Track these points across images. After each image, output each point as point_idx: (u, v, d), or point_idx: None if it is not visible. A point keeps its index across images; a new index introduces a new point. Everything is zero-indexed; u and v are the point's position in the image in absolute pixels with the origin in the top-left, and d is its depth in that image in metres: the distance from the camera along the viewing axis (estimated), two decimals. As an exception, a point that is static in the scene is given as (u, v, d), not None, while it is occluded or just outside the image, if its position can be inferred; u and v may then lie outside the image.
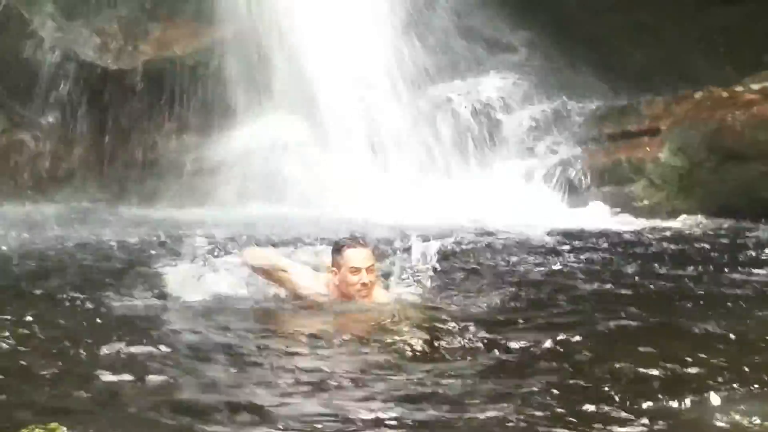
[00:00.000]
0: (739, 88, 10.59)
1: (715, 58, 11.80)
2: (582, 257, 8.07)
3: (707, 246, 8.71)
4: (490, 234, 9.12)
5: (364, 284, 5.81)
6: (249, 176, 11.52)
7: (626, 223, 10.00)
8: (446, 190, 11.05)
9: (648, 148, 10.91)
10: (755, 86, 10.50)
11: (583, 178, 11.09)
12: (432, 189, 11.13)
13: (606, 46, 12.25)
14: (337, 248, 5.87)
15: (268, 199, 11.22)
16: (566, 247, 8.54)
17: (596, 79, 11.97)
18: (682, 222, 10.10)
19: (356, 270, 5.79)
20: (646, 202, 10.73)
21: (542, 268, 7.52)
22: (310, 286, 6.02)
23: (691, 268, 7.53)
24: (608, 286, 6.75)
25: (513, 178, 11.31)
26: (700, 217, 10.19)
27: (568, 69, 12.12)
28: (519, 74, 12.11)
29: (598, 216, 10.29)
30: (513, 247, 8.55)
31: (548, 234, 9.16)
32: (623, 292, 6.62)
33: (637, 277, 7.08)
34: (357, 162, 11.54)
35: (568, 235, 9.15)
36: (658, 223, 10.13)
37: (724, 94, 10.59)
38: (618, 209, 10.57)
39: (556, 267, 7.51)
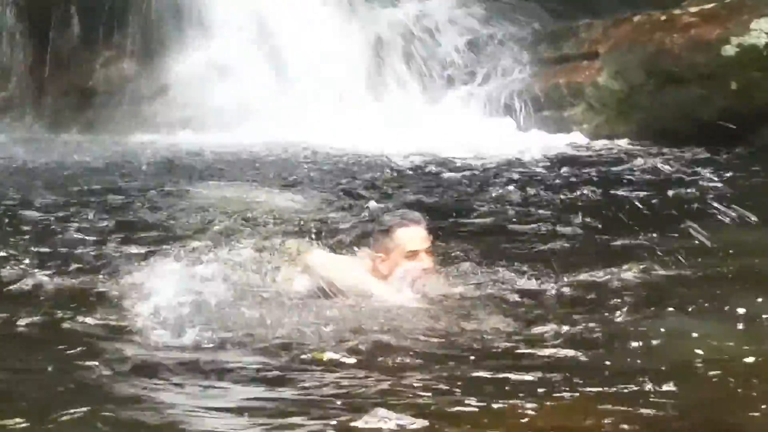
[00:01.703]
0: (677, 11, 10.59)
1: (654, -19, 11.85)
2: (526, 183, 8.28)
3: (642, 168, 8.94)
4: (438, 164, 9.29)
5: (425, 270, 4.86)
6: (190, 103, 11.49)
7: (566, 148, 10.12)
8: (386, 117, 11.14)
9: (587, 72, 10.96)
10: (693, 9, 10.51)
11: (521, 103, 11.11)
12: (373, 116, 11.18)
13: (544, -32, 12.23)
14: (385, 229, 4.92)
15: (209, 126, 11.23)
16: (514, 175, 8.78)
17: (535, 3, 11.93)
18: (621, 145, 10.20)
19: (413, 254, 4.85)
20: (585, 126, 10.79)
21: (488, 195, 7.76)
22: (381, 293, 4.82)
23: (628, 191, 7.84)
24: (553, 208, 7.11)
25: (452, 104, 11.37)
26: (637, 142, 10.27)
27: (507, -7, 12.06)
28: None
29: (538, 141, 10.41)
30: (461, 175, 8.73)
31: (490, 161, 9.31)
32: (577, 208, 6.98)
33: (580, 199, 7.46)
34: (304, 89, 11.49)
35: (512, 163, 9.30)
36: (598, 145, 10.24)
37: (663, 18, 10.61)
38: (557, 134, 10.63)
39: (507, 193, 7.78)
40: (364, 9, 12.03)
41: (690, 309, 4.54)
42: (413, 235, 4.83)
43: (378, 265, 4.85)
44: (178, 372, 3.74)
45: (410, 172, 8.98)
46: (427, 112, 11.30)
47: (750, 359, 3.83)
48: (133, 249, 5.87)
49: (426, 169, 9.06)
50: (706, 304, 4.55)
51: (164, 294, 4.57)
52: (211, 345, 4.11)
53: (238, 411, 3.37)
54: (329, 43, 11.65)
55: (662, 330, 4.17)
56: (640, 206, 7.33)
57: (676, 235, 6.00)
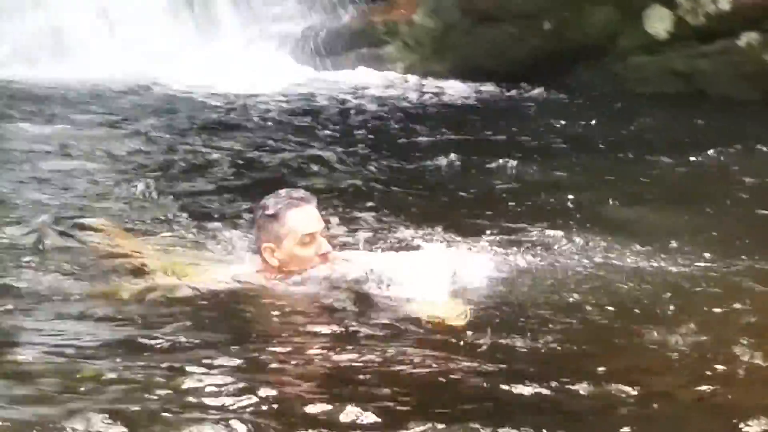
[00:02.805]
0: None
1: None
2: (354, 118, 9.04)
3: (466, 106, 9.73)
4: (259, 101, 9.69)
5: (324, 255, 4.42)
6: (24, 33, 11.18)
7: (387, 86, 10.48)
8: (209, 56, 11.22)
9: (402, 11, 11.13)
10: None
11: (339, 41, 11.26)
12: (200, 54, 11.24)
13: None
14: (273, 213, 4.40)
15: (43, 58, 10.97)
16: (360, 109, 9.45)
17: None
18: (436, 83, 10.56)
19: (310, 238, 4.39)
20: (401, 63, 11.01)
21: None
22: (240, 273, 4.47)
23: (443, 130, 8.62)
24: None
25: (274, 44, 11.54)
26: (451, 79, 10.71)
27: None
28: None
29: (356, 78, 10.71)
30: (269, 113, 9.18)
31: (308, 97, 9.81)
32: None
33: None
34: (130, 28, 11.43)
35: (331, 99, 9.80)
36: (413, 83, 10.63)
37: None
38: (374, 70, 10.87)
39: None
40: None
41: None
42: (306, 215, 4.38)
43: (270, 257, 4.39)
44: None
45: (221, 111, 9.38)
46: (249, 51, 11.40)
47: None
48: None
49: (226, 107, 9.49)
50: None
51: None
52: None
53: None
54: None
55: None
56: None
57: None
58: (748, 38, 10.12)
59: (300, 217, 4.32)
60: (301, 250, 4.31)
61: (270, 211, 4.34)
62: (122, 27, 11.49)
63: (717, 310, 4.40)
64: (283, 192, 4.48)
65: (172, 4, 11.70)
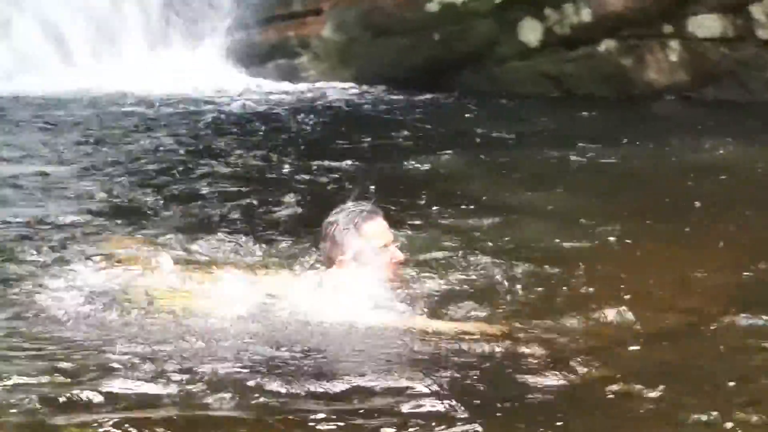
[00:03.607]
0: None
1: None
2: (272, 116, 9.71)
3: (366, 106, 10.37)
4: (194, 103, 10.30)
5: (400, 262, 4.42)
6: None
7: (298, 91, 11.14)
8: (153, 64, 11.76)
9: (312, 27, 11.65)
10: None
11: (260, 53, 11.84)
12: (145, 62, 11.75)
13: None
14: (347, 228, 4.33)
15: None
16: (277, 110, 10.09)
17: None
18: (341, 88, 11.23)
19: (386, 246, 4.37)
20: (312, 72, 11.55)
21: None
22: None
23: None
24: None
25: (205, 54, 12.09)
26: (355, 85, 11.27)
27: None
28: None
29: (274, 85, 11.35)
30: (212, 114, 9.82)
31: (240, 100, 10.47)
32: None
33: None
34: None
35: (258, 101, 10.47)
36: (322, 87, 11.28)
37: None
38: (290, 79, 11.48)
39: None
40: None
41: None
42: (380, 226, 4.38)
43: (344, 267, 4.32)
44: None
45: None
46: (180, 61, 11.88)
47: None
48: None
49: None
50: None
51: None
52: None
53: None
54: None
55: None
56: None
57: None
58: (606, 45, 10.66)
59: (375, 228, 4.34)
60: (378, 257, 4.30)
61: (346, 226, 4.31)
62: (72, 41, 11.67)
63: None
64: (350, 206, 4.42)
65: (120, 21, 12.05)
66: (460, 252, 5.06)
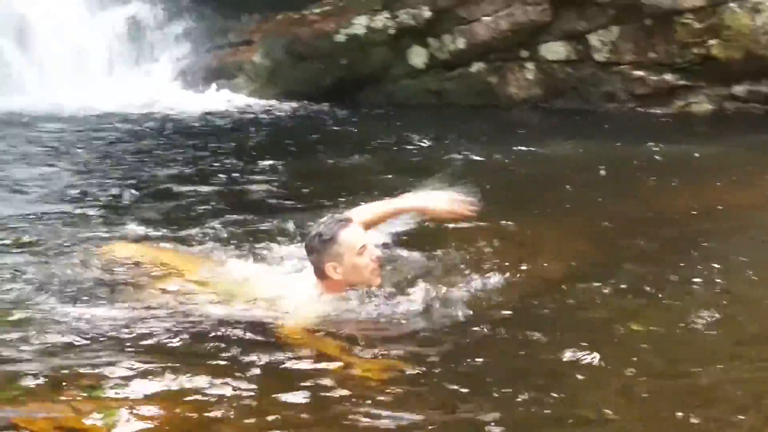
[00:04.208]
0: (306, 12, 12.43)
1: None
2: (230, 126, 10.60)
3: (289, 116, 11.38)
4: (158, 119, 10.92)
5: (378, 258, 4.62)
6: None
7: (234, 105, 11.89)
8: (117, 86, 12.31)
9: (246, 54, 12.46)
10: (316, 10, 12.39)
11: (206, 75, 12.59)
12: (110, 86, 12.26)
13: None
14: (327, 239, 4.55)
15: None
16: (220, 121, 10.92)
17: (206, 6, 13.21)
18: (269, 102, 12.05)
19: (363, 248, 4.57)
20: (245, 90, 12.34)
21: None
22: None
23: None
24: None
25: (160, 76, 12.79)
26: (281, 101, 12.05)
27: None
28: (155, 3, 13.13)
29: (218, 101, 12.08)
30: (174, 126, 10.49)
31: (186, 114, 11.13)
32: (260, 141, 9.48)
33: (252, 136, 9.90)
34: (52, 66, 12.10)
35: (210, 113, 11.28)
36: (255, 103, 12.04)
37: (296, 16, 12.43)
38: (229, 96, 12.25)
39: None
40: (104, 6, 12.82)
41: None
42: (355, 231, 4.56)
43: (333, 273, 4.52)
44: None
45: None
46: (136, 82, 12.53)
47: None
48: None
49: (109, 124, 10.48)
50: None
51: None
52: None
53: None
54: (75, 31, 12.41)
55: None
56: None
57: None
58: (477, 66, 11.76)
59: (352, 233, 4.55)
60: (359, 259, 4.51)
61: (327, 236, 4.54)
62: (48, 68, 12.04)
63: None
64: (327, 218, 4.68)
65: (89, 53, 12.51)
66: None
